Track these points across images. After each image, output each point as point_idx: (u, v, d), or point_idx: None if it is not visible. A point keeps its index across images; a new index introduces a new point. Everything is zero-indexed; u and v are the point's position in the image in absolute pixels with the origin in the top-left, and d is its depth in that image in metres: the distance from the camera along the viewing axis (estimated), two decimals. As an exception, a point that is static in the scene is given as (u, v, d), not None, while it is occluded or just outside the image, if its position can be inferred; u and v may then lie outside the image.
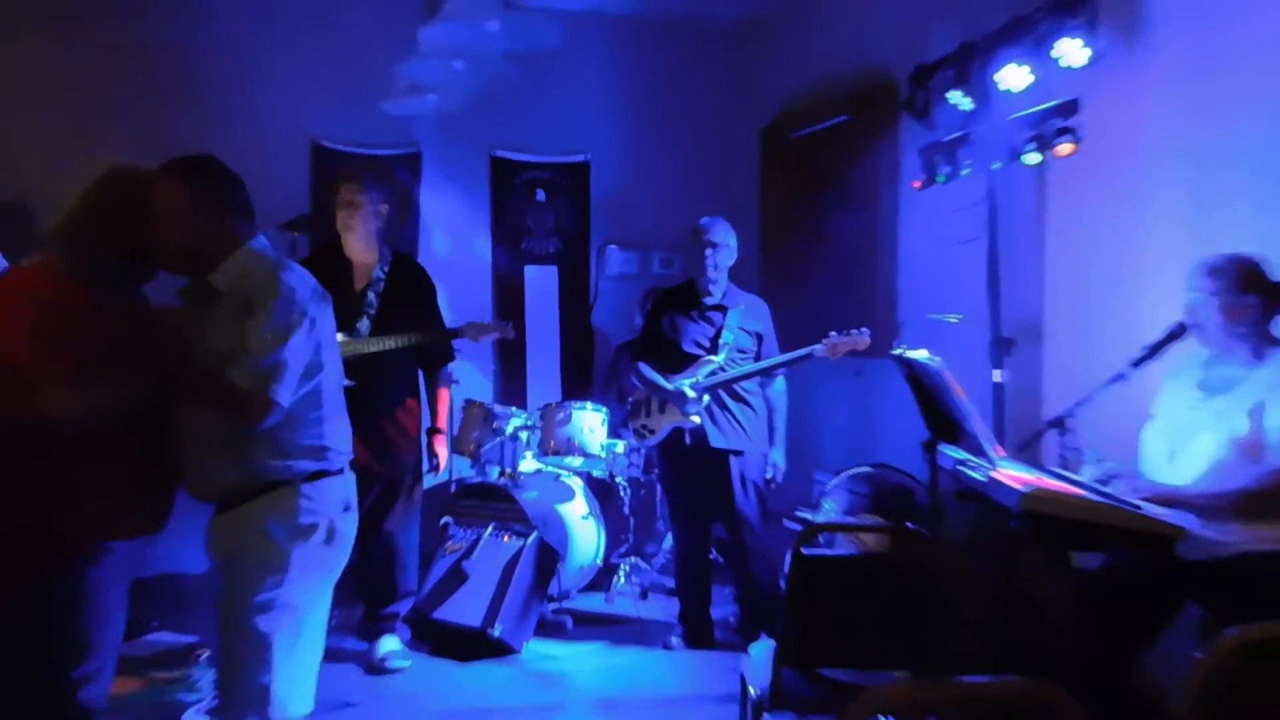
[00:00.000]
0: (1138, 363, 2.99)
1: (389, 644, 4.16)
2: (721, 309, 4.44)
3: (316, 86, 5.54)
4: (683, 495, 4.56)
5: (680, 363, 4.42)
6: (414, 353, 4.19)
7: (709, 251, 4.37)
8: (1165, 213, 3.51)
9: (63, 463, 2.26)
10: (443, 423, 4.36)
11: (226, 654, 2.40)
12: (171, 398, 2.36)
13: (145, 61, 5.31)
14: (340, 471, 2.50)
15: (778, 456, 4.53)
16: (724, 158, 6.31)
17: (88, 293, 2.34)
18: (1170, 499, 2.71)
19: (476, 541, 4.55)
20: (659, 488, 5.35)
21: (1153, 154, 3.57)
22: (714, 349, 4.40)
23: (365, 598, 4.26)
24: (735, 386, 4.38)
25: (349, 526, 2.52)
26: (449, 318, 4.40)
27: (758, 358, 4.44)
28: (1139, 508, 2.67)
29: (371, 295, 4.12)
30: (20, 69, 5.23)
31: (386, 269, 4.18)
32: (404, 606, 4.26)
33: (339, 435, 2.50)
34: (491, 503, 4.78)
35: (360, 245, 4.15)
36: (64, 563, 2.29)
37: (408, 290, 4.20)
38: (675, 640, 4.46)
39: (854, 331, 4.27)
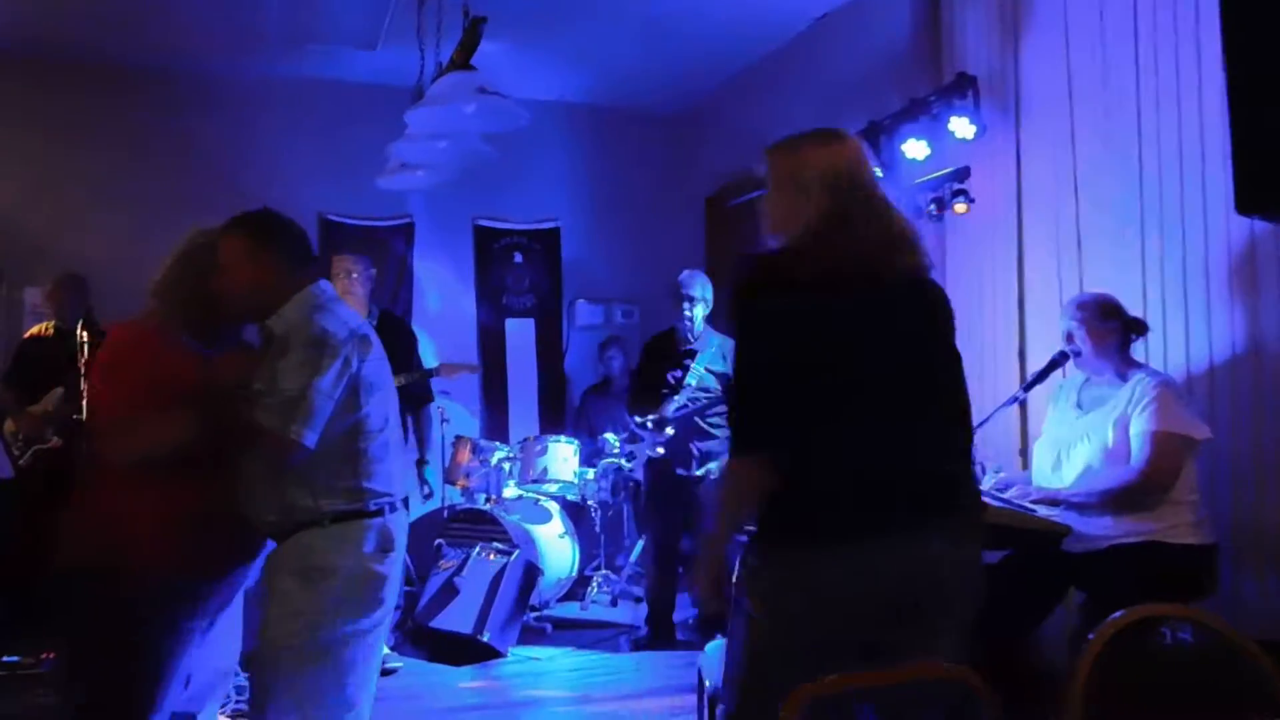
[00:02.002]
0: (1028, 386, 3.07)
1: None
2: (693, 354, 4.44)
3: (324, 169, 5.60)
4: (659, 510, 4.55)
5: (656, 401, 4.43)
6: (401, 396, 4.20)
7: (687, 304, 4.40)
8: (1042, 258, 3.61)
9: (140, 499, 2.13)
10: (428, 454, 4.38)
11: (256, 691, 2.15)
12: (231, 440, 2.16)
13: (187, 155, 5.37)
14: (378, 513, 2.19)
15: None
16: (674, 223, 6.41)
17: (165, 341, 2.24)
18: (1054, 501, 2.78)
19: (466, 559, 4.53)
20: (625, 508, 5.36)
21: (1031, 208, 3.69)
22: (678, 389, 4.40)
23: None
24: (699, 422, 4.38)
25: (387, 568, 2.19)
26: (432, 365, 4.44)
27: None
28: (1032, 510, 2.73)
29: None
30: (78, 169, 5.32)
31: (374, 323, 4.21)
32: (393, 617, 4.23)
33: (382, 477, 2.21)
34: (479, 525, 4.77)
35: (356, 306, 4.19)
36: (143, 604, 2.11)
37: (392, 340, 4.21)
38: (642, 639, 4.45)
39: None
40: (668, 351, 4.51)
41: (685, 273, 4.48)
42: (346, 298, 4.17)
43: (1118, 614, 1.62)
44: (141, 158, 5.37)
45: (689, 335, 4.45)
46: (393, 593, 2.24)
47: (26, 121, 5.28)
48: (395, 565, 2.23)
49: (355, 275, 4.15)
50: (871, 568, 1.69)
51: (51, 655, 3.89)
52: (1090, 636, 1.60)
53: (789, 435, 1.72)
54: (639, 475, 4.82)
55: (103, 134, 5.38)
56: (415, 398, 4.32)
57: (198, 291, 2.24)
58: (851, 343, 1.76)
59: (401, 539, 2.26)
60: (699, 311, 4.42)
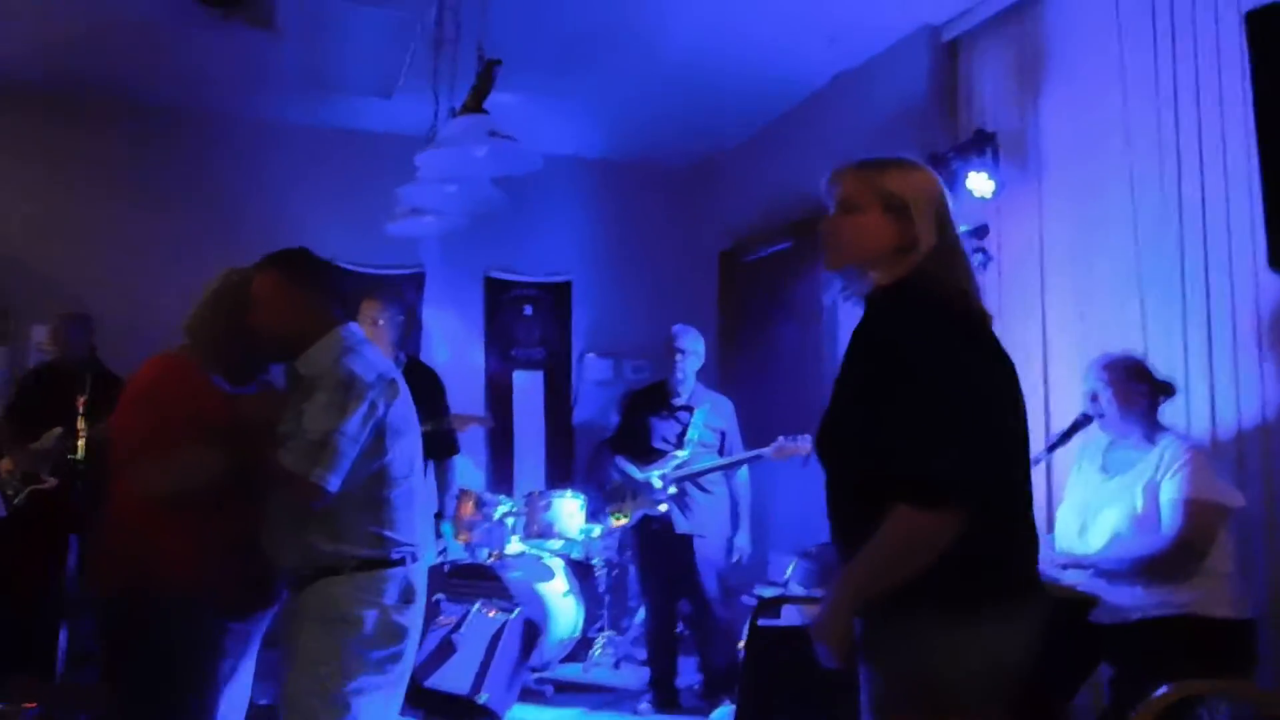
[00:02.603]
0: (1051, 448, 2.96)
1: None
2: (689, 408, 4.40)
3: (335, 216, 5.57)
4: (652, 574, 4.46)
5: (650, 456, 4.36)
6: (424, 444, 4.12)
7: (678, 357, 4.35)
8: (1065, 316, 3.52)
9: (167, 533, 2.11)
10: (449, 510, 4.26)
11: None
12: (256, 479, 2.15)
13: (197, 197, 5.37)
14: (400, 562, 2.15)
15: (743, 540, 4.43)
16: (688, 277, 6.36)
17: (197, 376, 2.24)
18: (1081, 565, 2.65)
19: (465, 616, 4.37)
20: (632, 568, 5.21)
21: (1052, 266, 3.61)
22: (680, 444, 4.34)
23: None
24: (699, 478, 4.31)
25: (409, 619, 2.16)
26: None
27: (721, 452, 4.38)
28: (1057, 578, 2.60)
29: None
30: (88, 208, 5.29)
31: (402, 369, 4.14)
32: None
33: (404, 525, 2.17)
34: (480, 581, 4.62)
35: (383, 351, 4.14)
36: (174, 638, 2.09)
37: (419, 387, 4.14)
38: (645, 706, 4.29)
39: (798, 437, 4.22)
40: (657, 405, 4.44)
41: (677, 326, 4.44)
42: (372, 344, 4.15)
43: (1164, 690, 1.50)
44: (151, 197, 5.34)
45: (679, 389, 4.38)
46: (413, 645, 2.20)
47: (38, 157, 5.26)
48: (416, 616, 2.20)
49: (382, 322, 4.11)
50: (1023, 643, 1.55)
51: (35, 706, 3.77)
52: (1133, 716, 1.47)
53: (988, 486, 1.51)
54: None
55: (113, 172, 5.36)
56: (439, 447, 4.23)
57: (230, 329, 2.24)
58: (1007, 390, 1.62)
59: (422, 590, 2.23)
60: (690, 365, 4.36)
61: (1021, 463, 1.63)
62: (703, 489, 4.33)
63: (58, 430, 4.20)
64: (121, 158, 5.38)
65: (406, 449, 2.20)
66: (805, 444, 4.20)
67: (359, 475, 2.09)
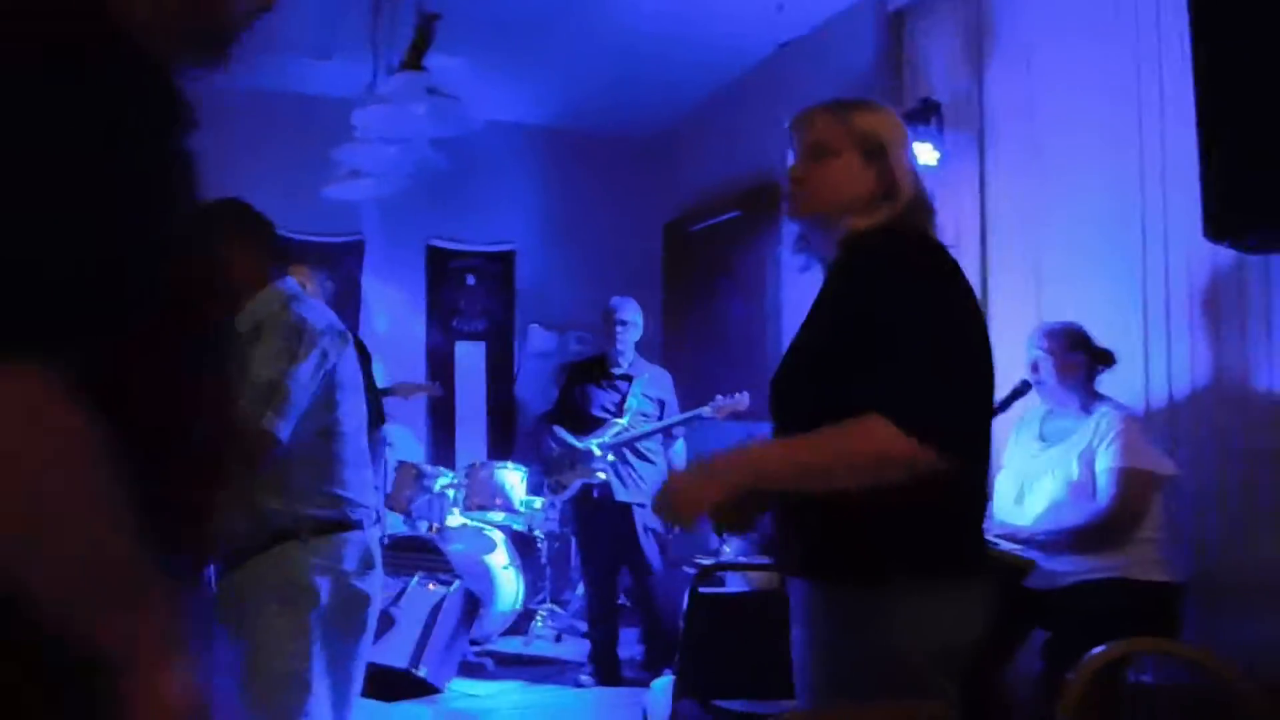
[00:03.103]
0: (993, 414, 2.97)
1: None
2: (628, 378, 4.37)
3: (272, 183, 5.36)
4: (592, 543, 4.43)
5: (589, 425, 4.33)
6: None
7: (619, 328, 4.33)
8: (1007, 286, 3.54)
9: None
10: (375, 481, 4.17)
11: None
12: None
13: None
14: (359, 525, 2.02)
15: (680, 510, 4.41)
16: (632, 248, 6.29)
17: None
18: (1018, 538, 2.68)
19: (404, 589, 4.30)
20: (574, 540, 5.18)
21: (995, 237, 3.63)
22: (619, 413, 4.31)
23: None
24: (638, 445, 4.29)
25: (369, 586, 2.03)
26: (385, 385, 4.24)
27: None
28: (995, 544, 2.62)
29: None
30: None
31: None
32: None
33: (359, 485, 2.06)
34: (419, 554, 4.55)
35: None
36: None
37: None
38: (587, 678, 4.27)
39: (735, 395, 4.22)
40: (597, 375, 4.41)
41: (616, 298, 4.42)
42: None
43: (1098, 650, 1.50)
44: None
45: (619, 359, 4.35)
46: (374, 614, 2.07)
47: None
48: (376, 584, 2.06)
49: (310, 288, 3.98)
50: (982, 616, 1.46)
51: None
52: (1069, 676, 1.47)
53: (973, 442, 1.41)
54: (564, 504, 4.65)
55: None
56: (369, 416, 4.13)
57: None
58: (987, 346, 1.51)
59: (379, 555, 2.09)
60: (630, 335, 4.35)
61: (989, 424, 1.55)
62: (644, 458, 4.31)
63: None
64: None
65: (356, 405, 2.10)
66: (744, 400, 4.20)
67: (309, 429, 1.96)
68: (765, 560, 4.10)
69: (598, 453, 4.25)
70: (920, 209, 1.55)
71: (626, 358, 4.38)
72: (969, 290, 1.51)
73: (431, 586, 4.28)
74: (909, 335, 1.35)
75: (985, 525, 2.43)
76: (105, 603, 0.74)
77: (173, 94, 0.86)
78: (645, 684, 4.09)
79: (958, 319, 1.44)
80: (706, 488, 1.42)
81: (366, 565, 2.03)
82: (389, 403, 4.21)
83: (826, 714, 1.41)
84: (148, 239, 0.77)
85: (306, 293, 3.86)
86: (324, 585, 1.94)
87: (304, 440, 1.95)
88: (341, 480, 2.02)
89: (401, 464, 4.90)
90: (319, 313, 2.06)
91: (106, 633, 0.74)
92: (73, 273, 0.69)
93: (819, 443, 1.38)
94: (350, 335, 2.12)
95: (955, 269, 1.49)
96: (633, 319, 4.36)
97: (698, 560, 4.62)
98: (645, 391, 4.35)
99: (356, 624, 2.01)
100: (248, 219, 2.13)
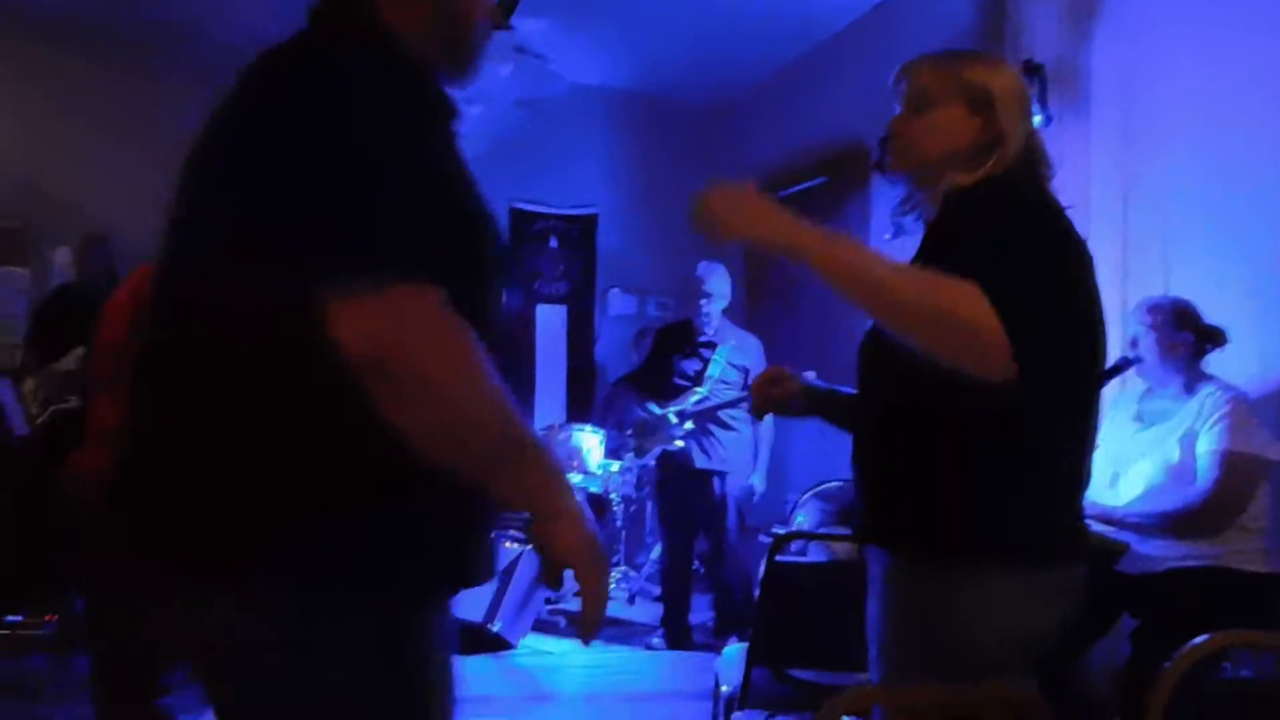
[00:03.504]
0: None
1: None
2: (712, 345, 4.32)
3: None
4: (671, 510, 4.43)
5: (670, 392, 4.31)
6: None
7: (704, 298, 4.27)
8: (1109, 257, 3.39)
9: None
10: None
11: None
12: None
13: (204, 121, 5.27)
14: None
15: (757, 480, 4.39)
16: (715, 215, 6.22)
17: None
18: (1110, 519, 2.58)
19: (482, 546, 4.39)
20: (649, 504, 5.20)
21: (1097, 204, 3.46)
22: (699, 381, 4.28)
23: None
24: (721, 414, 4.25)
25: None
26: None
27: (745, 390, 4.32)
28: (1087, 526, 2.53)
29: None
30: (105, 132, 5.22)
31: None
32: None
33: None
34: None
35: None
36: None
37: None
38: (658, 640, 4.30)
39: (805, 374, 4.12)
40: (681, 343, 4.37)
41: (703, 264, 4.32)
42: None
43: (1200, 639, 1.42)
44: (169, 121, 5.27)
45: (705, 327, 4.30)
46: None
47: (56, 84, 5.22)
48: None
49: None
50: (1065, 603, 1.40)
51: (54, 618, 3.83)
52: (1166, 666, 1.40)
53: (1075, 405, 1.34)
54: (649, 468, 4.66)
55: (130, 97, 5.29)
56: None
57: None
58: (1093, 313, 1.40)
59: None
60: (716, 305, 4.28)
61: (1091, 391, 1.45)
62: (727, 426, 4.27)
63: (79, 350, 4.20)
64: (137, 85, 5.31)
65: None
66: (809, 378, 4.11)
67: None
68: (842, 530, 4.05)
69: (674, 420, 4.23)
70: (1033, 166, 1.46)
71: (712, 324, 4.32)
72: (1081, 253, 1.40)
73: (508, 544, 4.35)
74: (1007, 296, 1.23)
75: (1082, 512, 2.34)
76: (518, 464, 1.02)
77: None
78: (716, 650, 4.11)
79: (1059, 281, 1.33)
80: (740, 219, 1.37)
81: None
82: None
83: (901, 691, 1.37)
84: (477, 205, 1.10)
85: None
86: None
87: None
88: None
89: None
90: None
91: (520, 488, 1.03)
92: (448, 228, 1.01)
93: (907, 272, 1.28)
94: None
95: (1067, 230, 1.39)
96: (718, 288, 4.30)
97: (774, 529, 4.60)
98: (730, 360, 4.29)
99: None
100: None
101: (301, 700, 1.01)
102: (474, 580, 1.12)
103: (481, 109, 3.21)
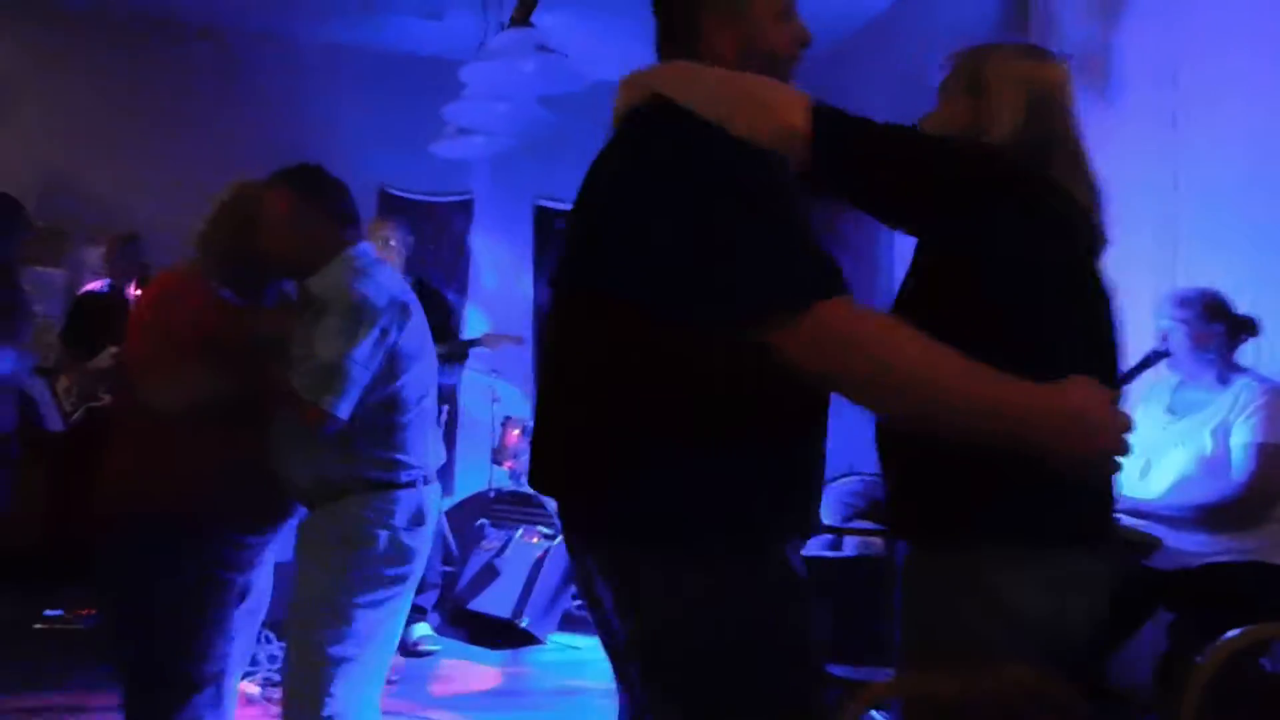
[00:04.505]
0: (1120, 383, 2.82)
1: (421, 629, 4.02)
2: None
3: (385, 141, 5.50)
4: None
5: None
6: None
7: None
8: (1137, 249, 3.34)
9: (180, 449, 2.07)
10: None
11: (288, 667, 2.12)
12: (267, 396, 2.10)
13: (246, 119, 5.33)
14: (410, 485, 2.11)
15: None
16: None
17: (206, 291, 2.16)
18: (1141, 513, 2.55)
19: (508, 542, 4.40)
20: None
21: (1124, 192, 3.41)
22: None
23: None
24: None
25: (417, 541, 2.12)
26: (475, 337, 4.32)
27: None
28: (1117, 520, 2.50)
29: None
30: (138, 129, 5.30)
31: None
32: (429, 598, 4.14)
33: (417, 448, 2.14)
34: (524, 508, 4.64)
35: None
36: (183, 553, 2.06)
37: (427, 310, 4.09)
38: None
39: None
40: None
41: None
42: None
43: (1235, 632, 1.40)
44: (200, 119, 5.35)
45: None
46: (419, 567, 2.16)
47: (90, 80, 5.27)
48: (424, 540, 2.15)
49: (393, 243, 4.07)
50: (1090, 597, 1.35)
51: (92, 612, 3.89)
52: (1201, 659, 1.38)
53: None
54: None
55: (163, 94, 5.35)
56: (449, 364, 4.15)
57: (238, 244, 2.16)
58: (1100, 308, 1.41)
59: (432, 513, 2.18)
60: None
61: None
62: None
63: (113, 349, 4.26)
64: (170, 80, 5.36)
65: (419, 374, 2.15)
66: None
67: (370, 401, 2.05)
68: (869, 525, 4.02)
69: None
70: (1038, 151, 1.41)
71: None
72: (1081, 245, 1.39)
73: (535, 539, 4.36)
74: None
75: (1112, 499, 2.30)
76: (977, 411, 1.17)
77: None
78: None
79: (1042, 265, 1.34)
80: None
81: (416, 522, 2.11)
82: (494, 359, 4.26)
83: (940, 678, 1.35)
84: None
85: (386, 251, 3.97)
86: (375, 536, 2.05)
87: (365, 410, 2.04)
88: (401, 445, 2.10)
89: (508, 419, 4.99)
90: (380, 288, 2.09)
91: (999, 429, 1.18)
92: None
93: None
94: (411, 306, 2.16)
95: (1059, 220, 1.36)
96: None
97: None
98: None
99: (400, 574, 2.10)
100: (319, 184, 2.17)
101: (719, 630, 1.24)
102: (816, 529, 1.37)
103: (505, 107, 3.22)
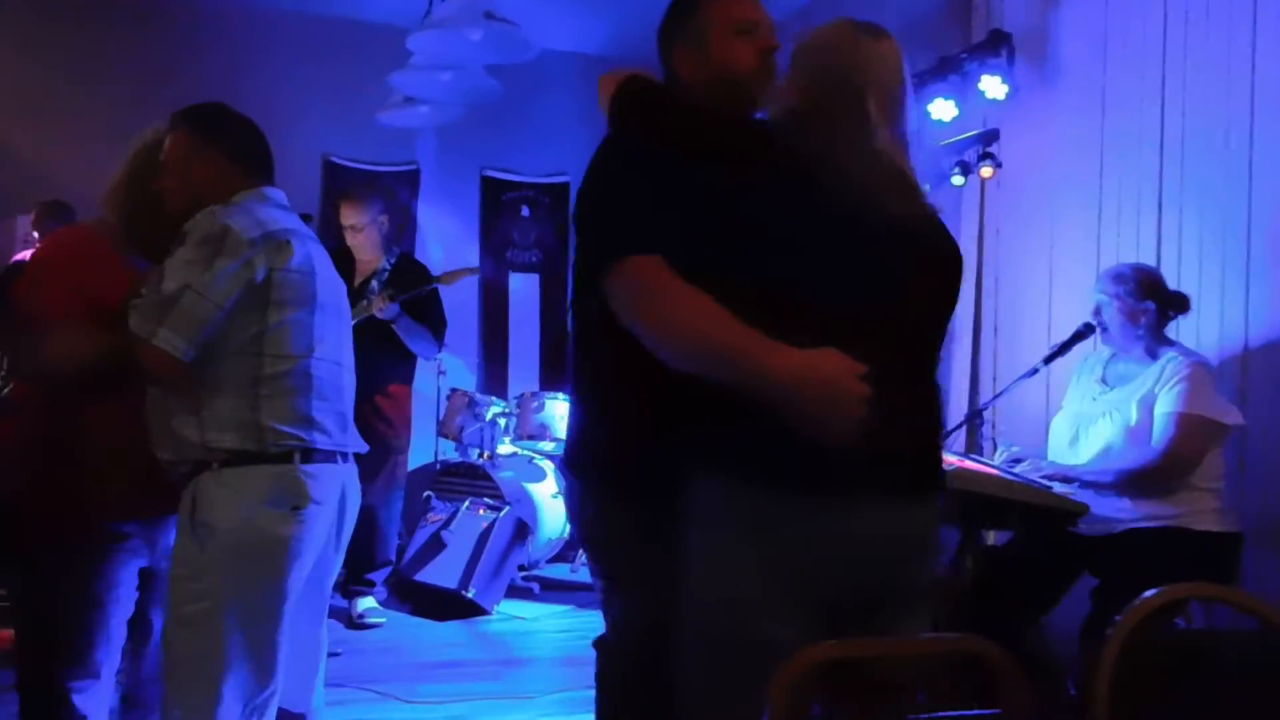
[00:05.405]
0: (1048, 359, 2.91)
1: (366, 602, 4.03)
2: None
3: (329, 111, 5.40)
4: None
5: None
6: (401, 345, 3.99)
7: None
8: (1072, 227, 3.43)
9: (59, 425, 1.87)
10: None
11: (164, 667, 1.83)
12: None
13: (177, 86, 5.15)
14: (281, 458, 1.79)
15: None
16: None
17: (106, 251, 1.94)
18: (1068, 477, 2.63)
19: (455, 514, 4.40)
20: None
21: (1062, 175, 3.50)
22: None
23: (348, 562, 4.08)
24: None
25: (295, 530, 1.79)
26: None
27: None
28: (1048, 487, 2.58)
29: (374, 283, 3.98)
30: (66, 89, 5.14)
31: (392, 262, 4.06)
32: (382, 574, 4.12)
33: (295, 416, 1.80)
34: (470, 480, 4.63)
35: (367, 256, 4.06)
36: (71, 546, 1.86)
37: (408, 280, 4.01)
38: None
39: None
40: None
41: None
42: (355, 249, 4.02)
43: (1149, 594, 1.46)
44: (139, 85, 5.18)
45: None
46: (307, 562, 1.84)
47: (23, 49, 5.11)
48: (309, 526, 1.82)
49: (362, 224, 3.96)
50: (845, 547, 1.34)
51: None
52: (1117, 619, 1.44)
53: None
54: None
55: (100, 60, 5.20)
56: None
57: (139, 197, 1.94)
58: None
59: (323, 494, 1.84)
60: None
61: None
62: None
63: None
64: (109, 46, 5.20)
65: (307, 326, 1.84)
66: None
67: (228, 346, 1.76)
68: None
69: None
70: (798, 119, 1.45)
71: None
72: (835, 213, 1.40)
73: (481, 511, 4.37)
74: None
75: (1030, 467, 2.35)
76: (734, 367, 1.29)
77: None
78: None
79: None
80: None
81: (294, 505, 1.79)
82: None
83: (871, 643, 1.38)
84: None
85: (361, 232, 3.85)
86: (223, 521, 1.75)
87: (220, 357, 1.76)
88: (271, 408, 1.78)
89: (454, 391, 4.95)
90: (255, 220, 1.80)
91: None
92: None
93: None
94: (300, 246, 1.86)
95: (811, 189, 1.39)
96: None
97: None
98: None
99: (268, 571, 1.78)
100: (217, 123, 1.94)
101: None
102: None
103: (451, 76, 3.17)
